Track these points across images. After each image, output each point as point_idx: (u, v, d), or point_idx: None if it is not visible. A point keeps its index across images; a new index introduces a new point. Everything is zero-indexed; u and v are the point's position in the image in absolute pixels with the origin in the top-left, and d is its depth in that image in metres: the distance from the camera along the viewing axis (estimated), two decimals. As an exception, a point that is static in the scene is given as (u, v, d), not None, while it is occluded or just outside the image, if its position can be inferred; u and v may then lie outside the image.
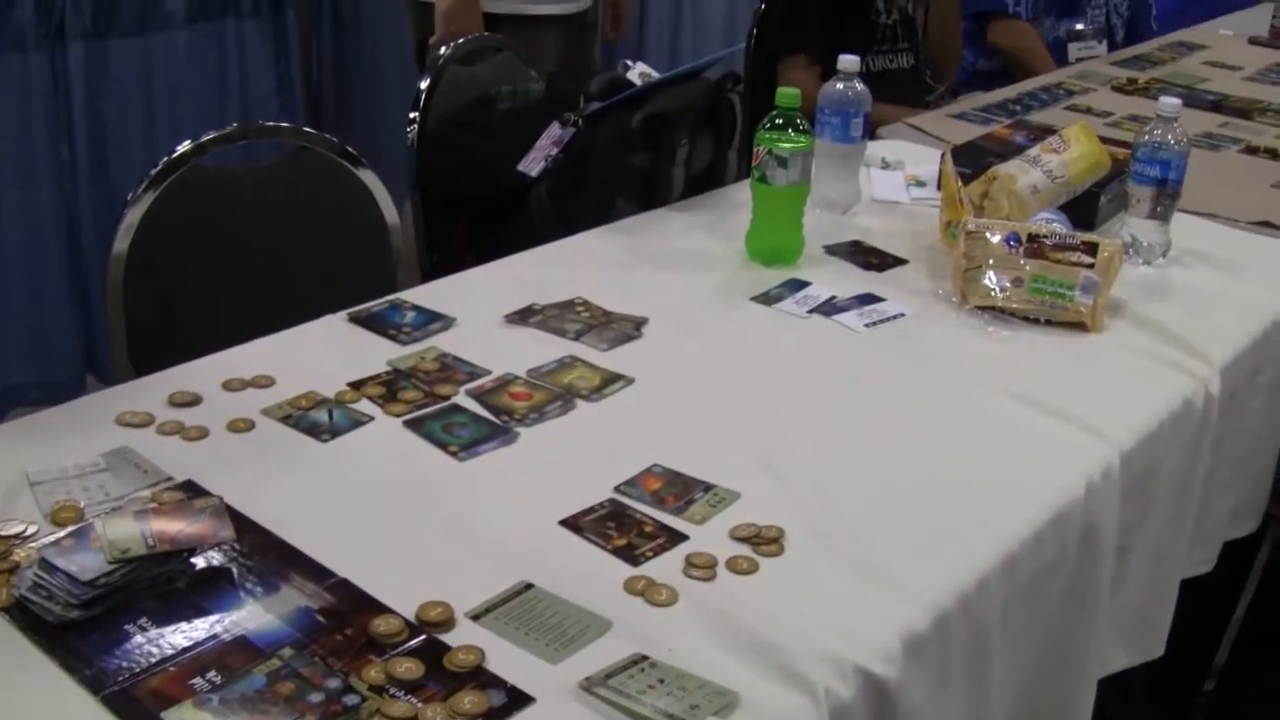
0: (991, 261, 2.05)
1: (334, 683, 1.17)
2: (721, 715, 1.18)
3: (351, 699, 1.16)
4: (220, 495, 1.39)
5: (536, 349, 1.85)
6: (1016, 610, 1.51)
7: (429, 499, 1.50)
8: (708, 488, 1.53)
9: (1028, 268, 2.03)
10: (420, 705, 1.17)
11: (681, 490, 1.52)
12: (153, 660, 1.22)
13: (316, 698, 1.15)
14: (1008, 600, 1.48)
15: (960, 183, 2.24)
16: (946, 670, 1.39)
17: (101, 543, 1.28)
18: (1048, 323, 2.00)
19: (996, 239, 2.07)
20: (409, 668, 1.21)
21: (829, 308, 2.04)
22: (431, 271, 2.18)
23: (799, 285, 2.11)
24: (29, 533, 1.39)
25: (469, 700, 1.18)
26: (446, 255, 2.50)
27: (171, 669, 1.21)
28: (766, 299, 2.07)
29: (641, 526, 1.45)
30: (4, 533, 1.38)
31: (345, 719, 1.14)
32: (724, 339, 1.93)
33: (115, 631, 1.25)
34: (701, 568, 1.38)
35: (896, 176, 2.63)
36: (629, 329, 1.92)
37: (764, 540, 1.43)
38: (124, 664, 1.21)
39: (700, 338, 1.93)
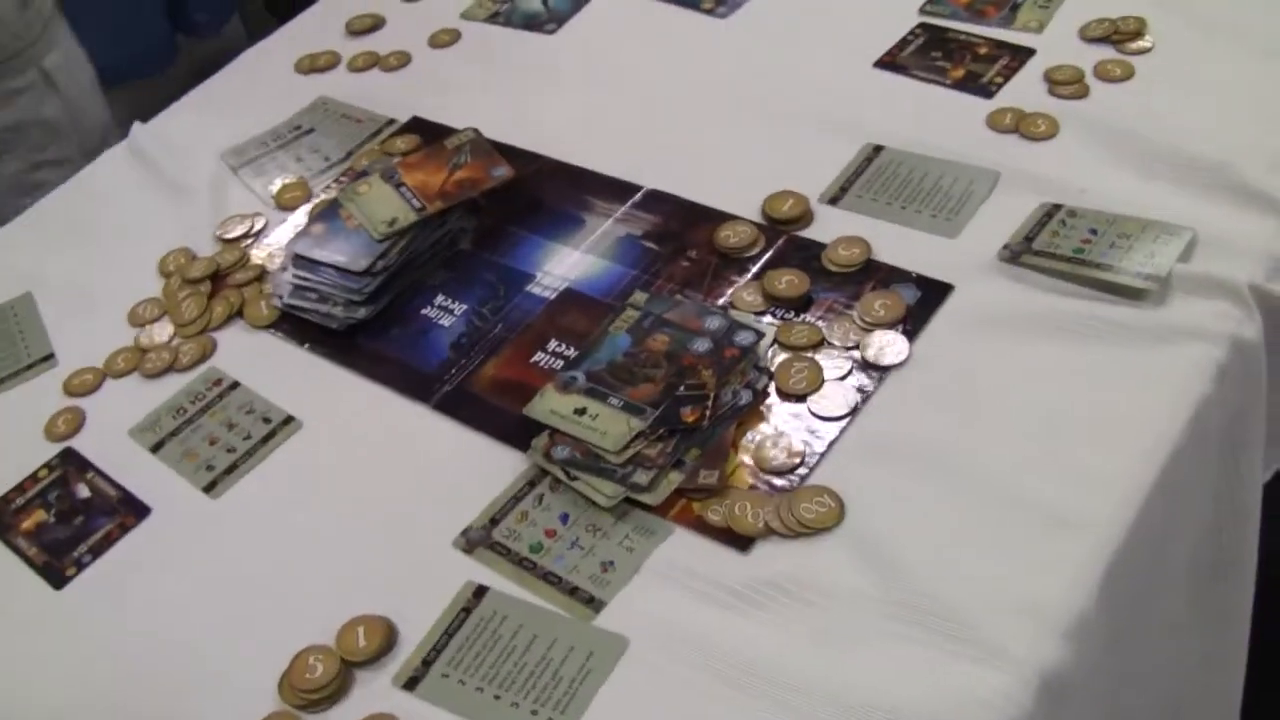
0: None
1: (714, 322, 0.93)
2: (1182, 259, 0.92)
3: (744, 337, 0.91)
4: (471, 127, 1.11)
5: None
6: None
7: (704, 72, 1.22)
8: (1026, -16, 1.23)
9: None
10: (823, 325, 0.93)
11: (997, -5, 1.23)
12: (475, 343, 0.98)
13: (702, 345, 0.91)
14: None
15: None
16: None
17: (359, 219, 1.03)
18: None
19: None
20: (791, 280, 0.97)
21: None
22: None
23: None
24: (257, 227, 1.13)
25: (879, 303, 0.94)
26: None
27: (505, 350, 0.97)
28: None
29: (973, 49, 1.17)
30: (228, 235, 1.12)
31: (745, 363, 0.90)
32: None
33: (415, 321, 1.02)
34: (1067, 83, 1.11)
35: None
36: None
37: (1125, 34, 1.14)
38: (443, 356, 0.97)
39: None
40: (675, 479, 0.85)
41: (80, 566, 0.89)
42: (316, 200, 1.14)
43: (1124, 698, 0.87)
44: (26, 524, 0.93)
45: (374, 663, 0.79)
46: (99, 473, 0.95)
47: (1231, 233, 0.95)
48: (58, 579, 0.89)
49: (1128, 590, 0.81)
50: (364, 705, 0.78)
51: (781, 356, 0.92)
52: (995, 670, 0.73)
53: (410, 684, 0.78)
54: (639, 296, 0.96)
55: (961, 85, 1.13)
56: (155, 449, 0.96)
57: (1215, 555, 0.97)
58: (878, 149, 1.08)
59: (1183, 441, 0.84)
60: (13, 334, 1.08)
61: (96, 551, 0.90)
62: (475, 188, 1.05)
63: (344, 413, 0.96)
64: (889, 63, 1.17)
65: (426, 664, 0.79)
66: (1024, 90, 1.12)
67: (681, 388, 0.88)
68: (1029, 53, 1.15)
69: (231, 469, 0.93)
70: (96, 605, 0.87)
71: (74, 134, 1.51)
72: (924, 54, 1.17)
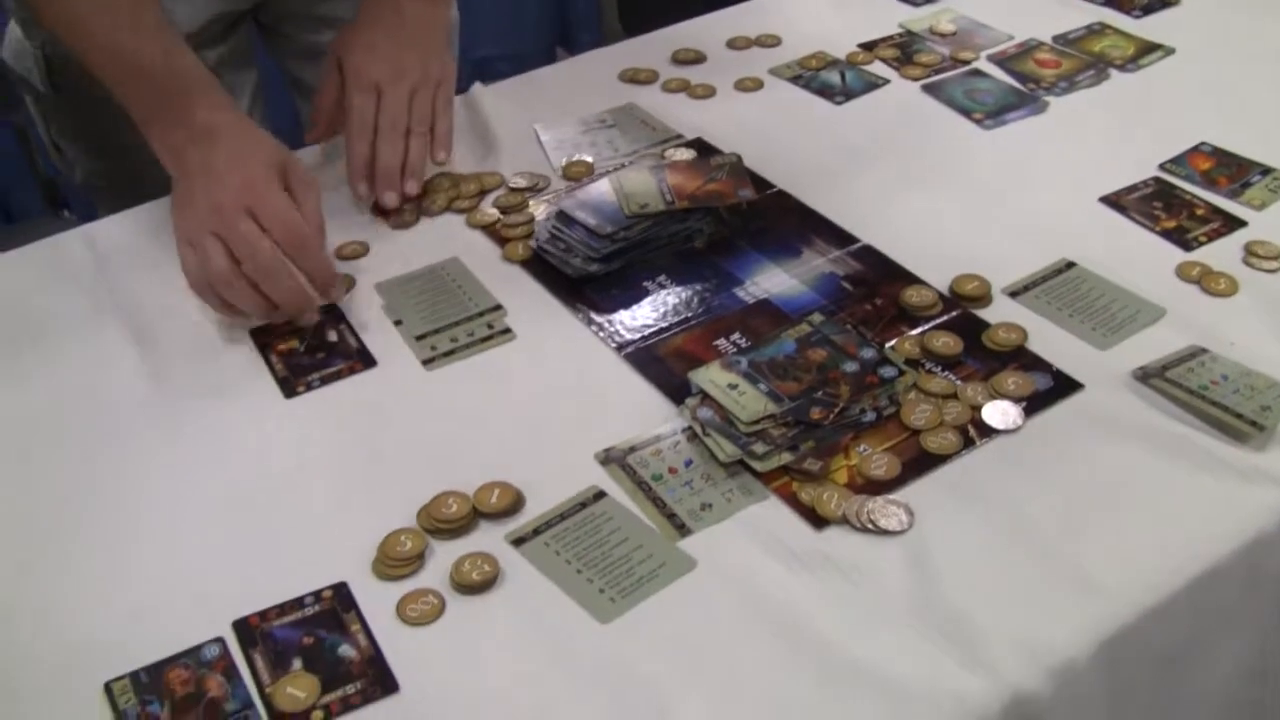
0: None
1: (869, 353, 1.09)
2: (1294, 421, 1.03)
3: (888, 371, 1.07)
4: (734, 152, 1.31)
5: (1062, 14, 1.68)
6: None
7: (953, 167, 1.38)
8: (1265, 170, 1.35)
9: None
10: (959, 383, 1.08)
11: (1236, 172, 1.35)
12: (674, 319, 1.17)
13: (850, 367, 1.07)
14: None
15: None
16: None
17: (619, 197, 1.22)
18: None
19: None
20: (946, 342, 1.12)
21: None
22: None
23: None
24: (541, 185, 1.35)
25: (1012, 381, 1.08)
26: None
27: (695, 328, 1.15)
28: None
29: (1192, 209, 1.29)
30: (516, 184, 1.35)
31: (881, 391, 1.06)
32: (1276, 9, 1.69)
33: (634, 288, 1.21)
34: (1265, 257, 1.22)
35: None
36: (1166, -5, 1.72)
37: (1336, 231, 1.25)
38: (644, 321, 1.16)
39: (1249, 7, 1.69)
40: (785, 458, 1.01)
41: (309, 388, 1.11)
42: (598, 177, 1.35)
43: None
44: (282, 346, 1.16)
45: (498, 518, 0.98)
46: (349, 327, 1.18)
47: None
48: (290, 391, 1.11)
49: (1144, 694, 0.93)
50: (476, 545, 0.96)
51: (913, 396, 1.07)
52: (976, 676, 0.85)
53: (518, 542, 0.96)
54: (816, 316, 1.13)
55: (1167, 234, 1.26)
56: (398, 323, 1.18)
57: (1256, 698, 1.07)
58: (1070, 264, 1.21)
59: (1229, 566, 0.95)
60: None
61: (326, 381, 1.12)
62: (720, 200, 1.24)
63: (552, 345, 1.16)
64: (1113, 201, 1.31)
65: (536, 532, 0.97)
66: (1221, 253, 1.23)
67: (820, 393, 1.04)
68: (1240, 223, 1.27)
69: (449, 353, 1.14)
70: (313, 419, 1.09)
71: None
72: (1147, 201, 1.30)
